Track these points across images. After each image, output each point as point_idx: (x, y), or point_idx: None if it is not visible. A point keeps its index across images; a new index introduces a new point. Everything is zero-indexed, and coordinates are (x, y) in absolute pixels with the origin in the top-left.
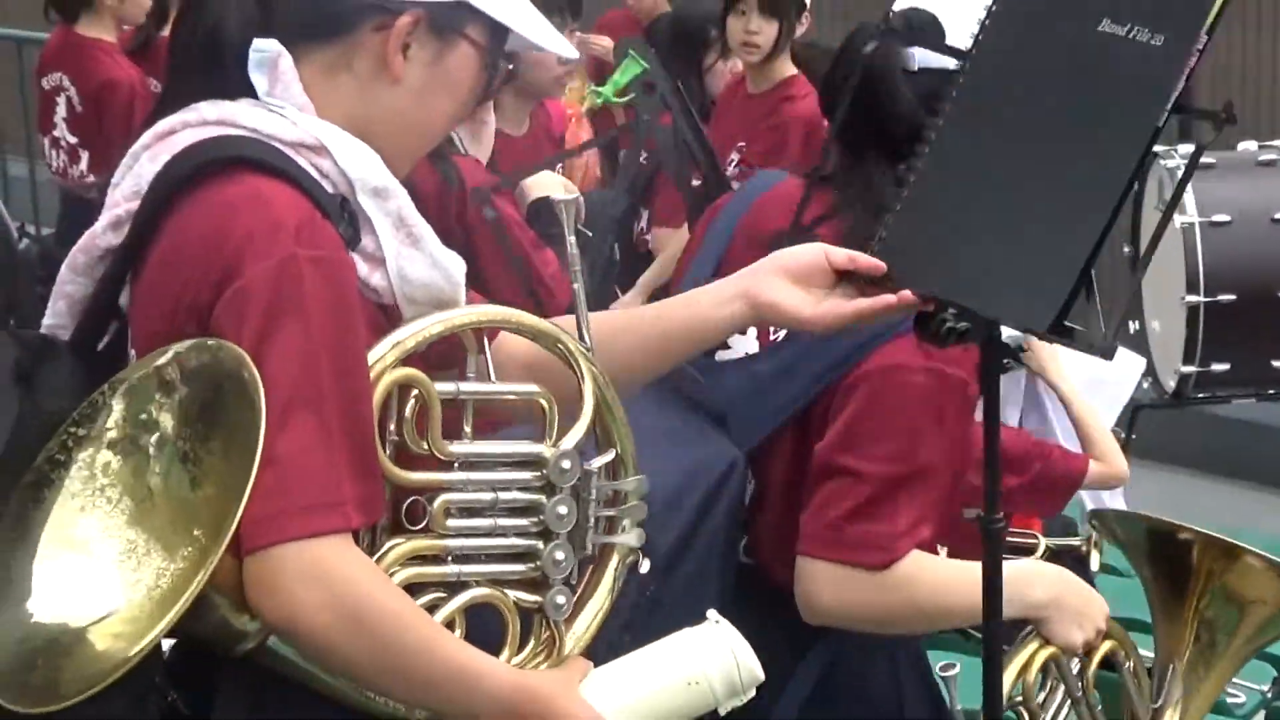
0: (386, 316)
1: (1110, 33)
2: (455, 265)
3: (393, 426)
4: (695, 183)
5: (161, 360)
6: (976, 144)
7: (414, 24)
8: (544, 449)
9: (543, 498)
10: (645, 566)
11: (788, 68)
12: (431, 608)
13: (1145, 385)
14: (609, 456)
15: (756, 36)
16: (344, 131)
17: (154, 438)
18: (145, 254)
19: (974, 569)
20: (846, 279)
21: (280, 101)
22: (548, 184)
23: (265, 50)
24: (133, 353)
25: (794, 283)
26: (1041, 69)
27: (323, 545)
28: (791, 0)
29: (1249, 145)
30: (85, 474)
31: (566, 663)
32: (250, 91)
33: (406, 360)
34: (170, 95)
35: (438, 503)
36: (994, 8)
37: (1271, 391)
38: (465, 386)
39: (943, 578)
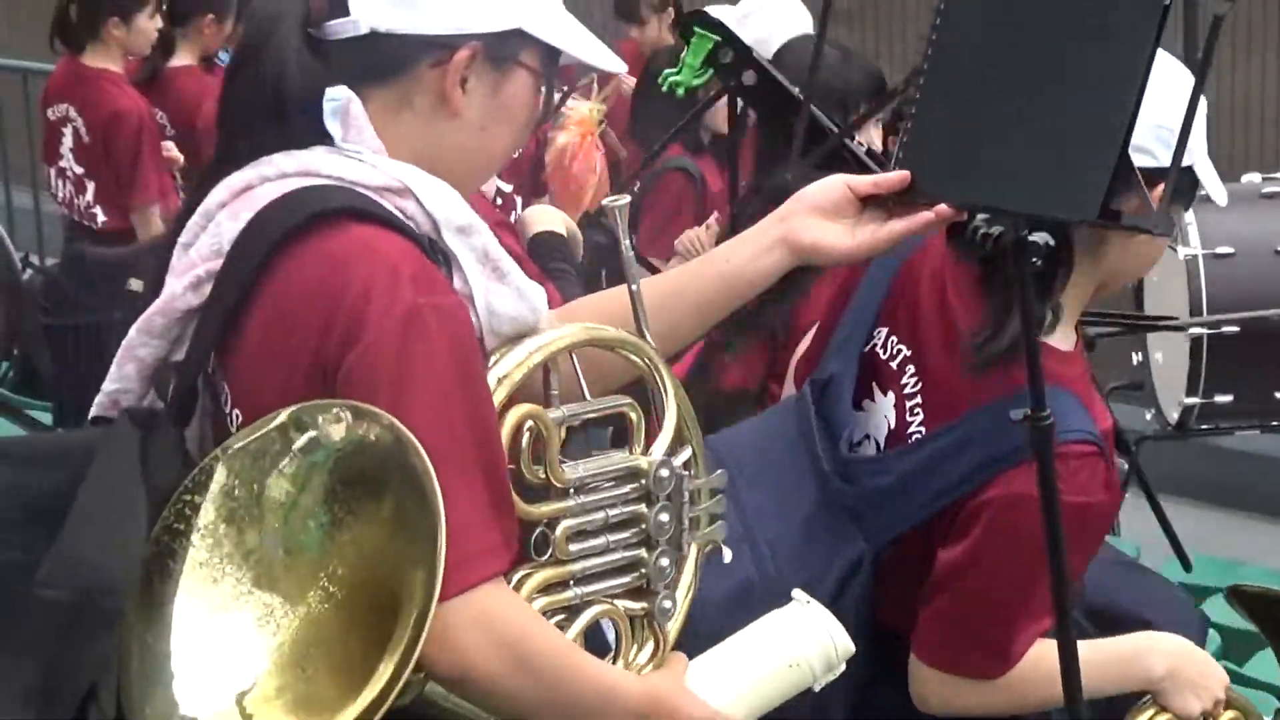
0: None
1: None
2: (538, 295)
3: (512, 459)
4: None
5: (280, 421)
6: (979, 48)
7: (471, 58)
8: (641, 461)
9: (644, 508)
10: (728, 556)
11: None
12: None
13: (1149, 417)
14: (686, 454)
15: None
16: (423, 171)
17: (281, 500)
18: (244, 313)
19: (1085, 655)
20: (873, 202)
21: (355, 147)
22: (548, 218)
23: (338, 99)
24: (236, 413)
25: (826, 219)
26: None
27: (485, 593)
28: None
29: (1253, 178)
30: (210, 541)
31: (669, 661)
32: (318, 139)
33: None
34: (232, 150)
35: (560, 530)
36: None
37: (1275, 423)
38: (568, 410)
39: (1049, 671)
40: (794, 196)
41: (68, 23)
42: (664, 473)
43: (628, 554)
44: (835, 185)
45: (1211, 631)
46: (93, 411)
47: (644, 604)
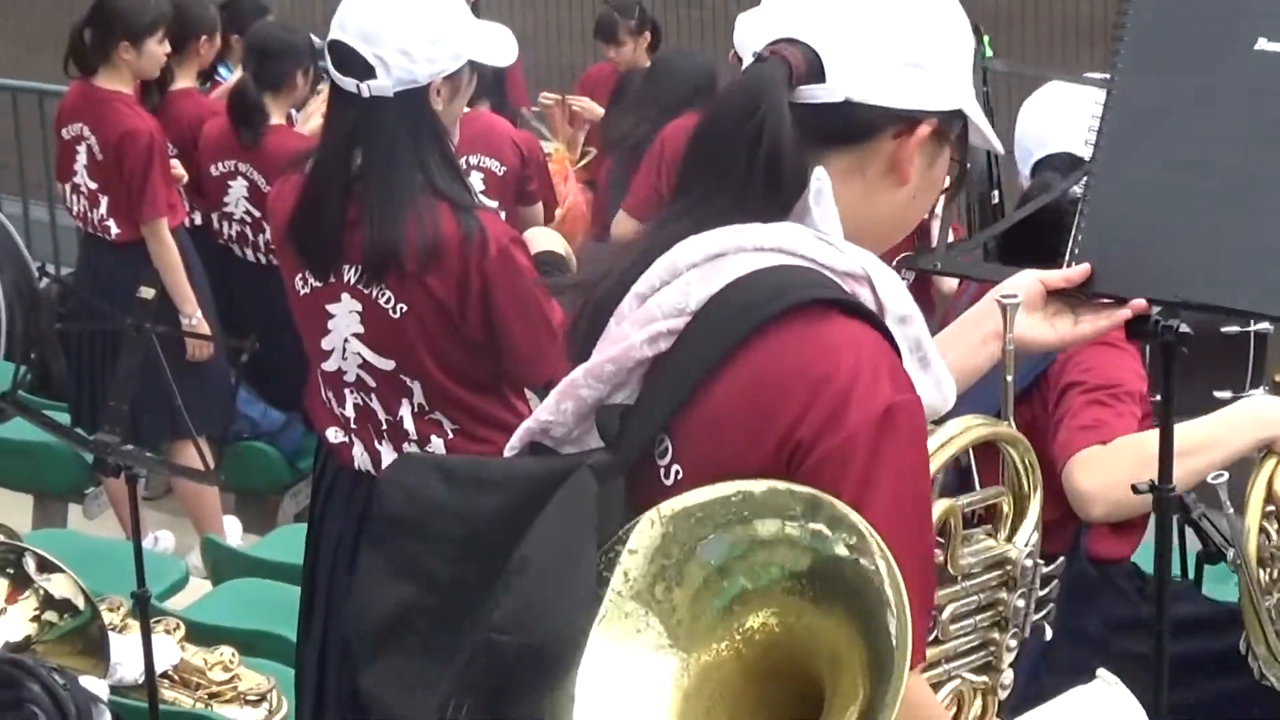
0: None
1: (1270, 50)
2: (951, 386)
3: None
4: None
5: (733, 494)
6: (1154, 143)
7: (929, 133)
8: (1011, 550)
9: (1004, 594)
10: (1049, 635)
11: None
12: None
13: None
14: (1036, 539)
15: None
16: (879, 260)
17: (715, 568)
18: (711, 377)
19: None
20: (1056, 293)
21: (827, 230)
22: (547, 239)
23: (822, 179)
24: (676, 469)
25: (1028, 313)
26: (1213, 81)
27: (912, 681)
28: None
29: None
30: (636, 592)
31: None
32: (782, 212)
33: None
34: (699, 204)
35: (946, 613)
36: (1126, 26)
37: None
38: (962, 500)
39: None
40: (993, 292)
41: (81, 47)
42: (1028, 563)
43: (984, 634)
44: (1030, 280)
45: None
46: (524, 437)
47: (986, 679)
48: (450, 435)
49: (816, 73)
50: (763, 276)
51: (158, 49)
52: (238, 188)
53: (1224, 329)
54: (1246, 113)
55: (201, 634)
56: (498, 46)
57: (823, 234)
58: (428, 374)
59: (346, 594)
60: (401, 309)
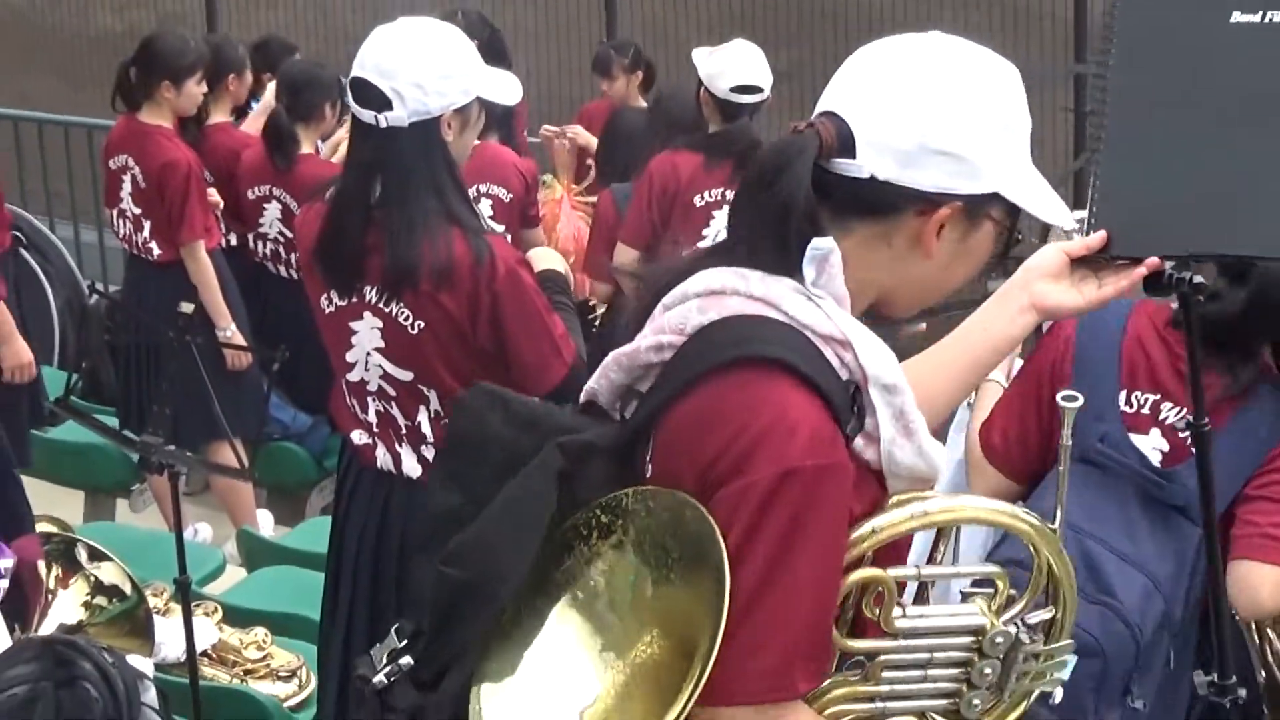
0: (874, 480)
1: (1245, 22)
2: (938, 455)
3: (854, 599)
4: None
5: (674, 496)
6: (1149, 116)
7: (951, 214)
8: (986, 621)
9: (974, 657)
10: (1058, 697)
11: None
12: None
13: None
14: (1047, 615)
15: None
16: (866, 330)
17: (650, 551)
18: (679, 397)
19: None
20: (1080, 261)
21: (822, 292)
22: (549, 259)
23: (820, 248)
24: (650, 466)
25: (1057, 282)
26: (1195, 57)
27: (771, 711)
28: None
29: None
30: (599, 564)
31: None
32: (793, 271)
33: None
34: (726, 243)
35: (876, 661)
36: (1116, 25)
37: None
38: (926, 570)
39: None
40: (1023, 266)
41: (127, 85)
42: (999, 639)
43: (945, 685)
44: (1057, 254)
45: None
46: (585, 395)
47: None
48: None
49: (848, 148)
50: (735, 324)
51: (196, 88)
52: (272, 210)
53: None
54: (1230, 80)
55: (237, 616)
56: (505, 87)
57: (816, 294)
58: (443, 383)
59: (369, 583)
60: (419, 325)
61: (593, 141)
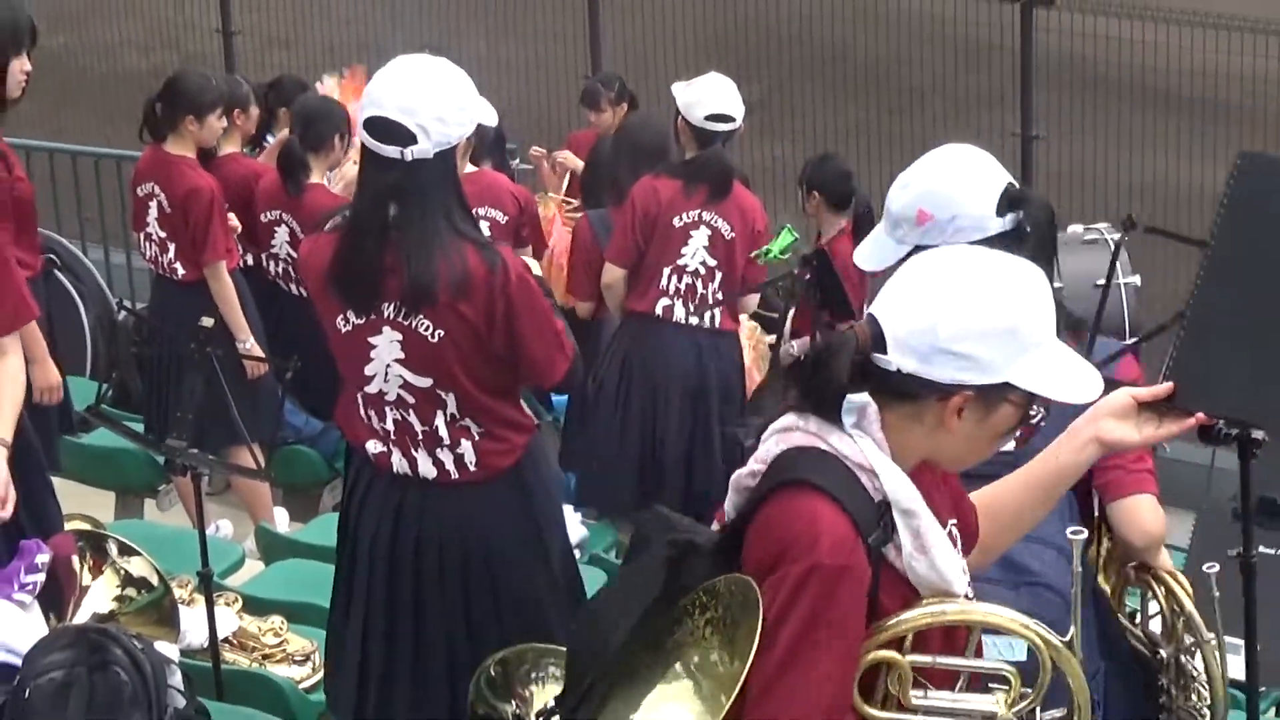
0: (906, 581)
1: None
2: (950, 570)
3: (882, 680)
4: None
5: (736, 581)
6: (1229, 301)
7: (964, 400)
8: (999, 711)
9: None
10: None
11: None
12: None
13: None
14: (1060, 713)
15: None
16: (891, 464)
17: (724, 627)
18: (754, 511)
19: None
20: (1145, 406)
21: (861, 433)
22: (532, 268)
23: (855, 402)
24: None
25: (1121, 421)
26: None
27: None
28: None
29: (1076, 228)
30: (690, 626)
31: None
32: (838, 420)
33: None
34: (800, 397)
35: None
36: (1226, 202)
37: None
38: (941, 661)
39: None
40: (1094, 406)
41: (154, 119)
42: None
43: None
44: (1125, 397)
45: None
46: (722, 517)
47: None
48: (476, 438)
49: (880, 345)
50: (791, 455)
51: (216, 123)
52: (281, 233)
53: None
54: None
55: (255, 605)
56: (489, 112)
57: (851, 433)
58: (460, 386)
59: (384, 583)
60: (439, 334)
61: (579, 165)
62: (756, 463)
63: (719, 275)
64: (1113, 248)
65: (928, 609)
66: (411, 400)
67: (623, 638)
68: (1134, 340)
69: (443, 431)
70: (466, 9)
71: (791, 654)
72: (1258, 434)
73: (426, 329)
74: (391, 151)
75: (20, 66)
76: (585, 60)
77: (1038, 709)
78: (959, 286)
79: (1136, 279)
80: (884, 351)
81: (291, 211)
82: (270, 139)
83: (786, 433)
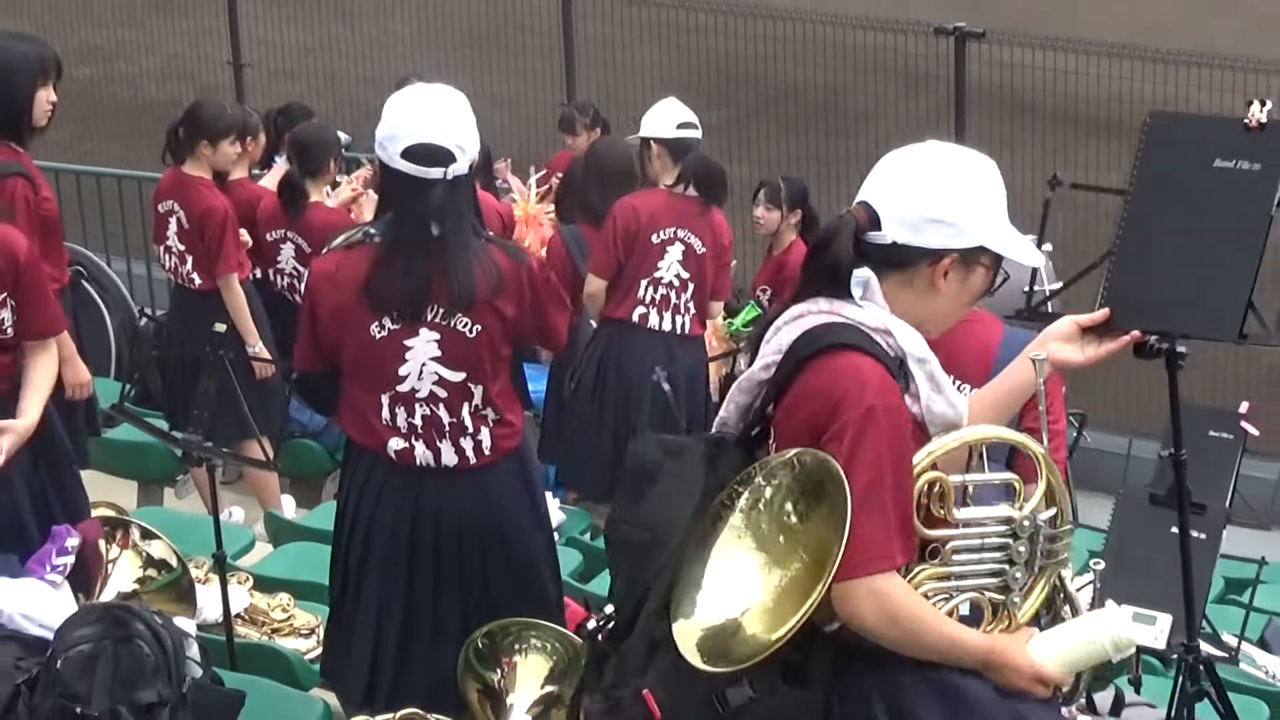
0: (920, 429)
1: (1223, 167)
2: (961, 403)
3: (925, 502)
4: None
5: (789, 455)
6: (1149, 234)
7: (951, 262)
8: (1014, 512)
9: (1010, 540)
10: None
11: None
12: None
13: None
14: (1051, 513)
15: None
16: (901, 321)
17: (781, 498)
18: (786, 389)
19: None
20: (1086, 329)
21: (868, 302)
22: None
23: (862, 277)
24: (772, 445)
25: (1066, 343)
26: (1191, 188)
27: (880, 578)
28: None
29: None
30: (741, 516)
31: (1018, 630)
32: (848, 294)
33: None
34: (801, 291)
35: (948, 546)
36: (1140, 152)
37: None
38: (970, 478)
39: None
40: (1043, 333)
41: (174, 143)
42: (1025, 522)
43: (995, 565)
44: (1069, 322)
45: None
46: (715, 426)
47: (1003, 597)
48: (491, 424)
49: (876, 224)
50: (814, 330)
51: (229, 148)
52: (287, 250)
53: None
54: (1207, 205)
55: (265, 584)
56: None
57: (861, 304)
58: (486, 378)
59: (404, 569)
60: (477, 329)
61: (554, 184)
62: (769, 355)
63: (691, 286)
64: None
65: (954, 435)
66: (443, 394)
67: (684, 525)
68: (1060, 287)
69: (467, 421)
70: (454, 47)
71: (869, 484)
72: (1182, 348)
73: (465, 326)
74: (435, 173)
75: (46, 97)
76: (562, 96)
77: (1038, 510)
78: (939, 170)
79: (1059, 284)
80: (879, 229)
81: (296, 230)
82: (278, 159)
83: (798, 319)
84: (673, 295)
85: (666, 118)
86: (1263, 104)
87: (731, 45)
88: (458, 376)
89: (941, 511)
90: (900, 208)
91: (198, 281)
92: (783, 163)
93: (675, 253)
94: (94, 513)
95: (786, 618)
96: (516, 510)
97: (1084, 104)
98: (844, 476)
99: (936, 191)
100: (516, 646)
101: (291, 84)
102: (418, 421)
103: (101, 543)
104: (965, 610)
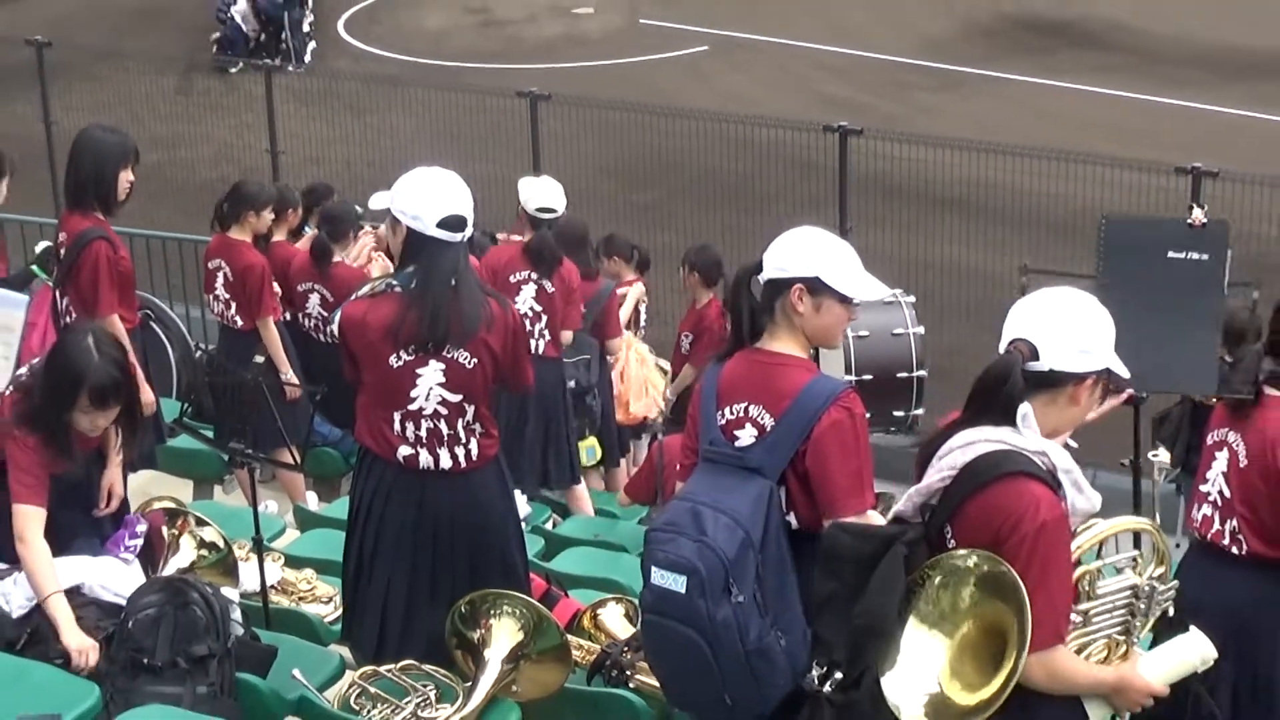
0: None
1: (1176, 258)
2: (1096, 498)
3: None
4: None
5: (971, 558)
6: (1127, 312)
7: (1095, 381)
8: (1138, 580)
9: (1134, 599)
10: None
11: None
12: (1079, 651)
13: None
14: (1161, 570)
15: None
16: (1051, 441)
17: (961, 591)
18: (963, 503)
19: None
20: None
21: (1027, 430)
22: None
23: (1025, 410)
24: (953, 543)
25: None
26: (1151, 275)
27: (1047, 652)
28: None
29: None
30: (930, 595)
31: (1131, 658)
32: (1011, 421)
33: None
34: (967, 417)
35: (1091, 612)
36: (1102, 248)
37: (892, 429)
38: (1106, 561)
39: None
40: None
41: (221, 213)
42: (1146, 588)
43: (1121, 619)
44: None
45: None
46: (890, 515)
47: (1124, 638)
48: (478, 436)
49: (1035, 356)
50: (990, 456)
51: (267, 216)
52: (314, 299)
53: (898, 374)
54: (1164, 289)
55: (293, 562)
56: None
57: (1023, 432)
58: (478, 399)
59: (409, 554)
60: (474, 361)
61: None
62: (945, 470)
63: (544, 318)
64: (905, 307)
65: (1097, 528)
66: (445, 412)
67: (895, 611)
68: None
69: (461, 433)
70: (444, 140)
71: (1040, 580)
72: (1143, 395)
73: (465, 359)
74: (458, 237)
75: (126, 177)
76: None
77: (1153, 571)
78: (1083, 312)
79: (921, 329)
80: (1038, 359)
81: (322, 283)
82: (309, 229)
83: (969, 446)
84: (527, 323)
85: (533, 198)
86: (1203, 208)
87: (661, 140)
88: (456, 398)
89: (1088, 589)
90: (1057, 342)
91: (240, 323)
92: (702, 234)
93: (529, 291)
94: (158, 505)
95: (976, 686)
96: (496, 504)
97: (941, 186)
98: (1019, 579)
99: (1082, 327)
100: (493, 611)
101: (316, 168)
102: (423, 434)
103: (164, 529)
104: (1100, 653)
